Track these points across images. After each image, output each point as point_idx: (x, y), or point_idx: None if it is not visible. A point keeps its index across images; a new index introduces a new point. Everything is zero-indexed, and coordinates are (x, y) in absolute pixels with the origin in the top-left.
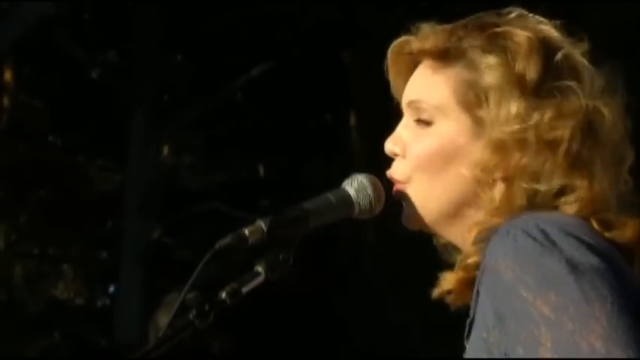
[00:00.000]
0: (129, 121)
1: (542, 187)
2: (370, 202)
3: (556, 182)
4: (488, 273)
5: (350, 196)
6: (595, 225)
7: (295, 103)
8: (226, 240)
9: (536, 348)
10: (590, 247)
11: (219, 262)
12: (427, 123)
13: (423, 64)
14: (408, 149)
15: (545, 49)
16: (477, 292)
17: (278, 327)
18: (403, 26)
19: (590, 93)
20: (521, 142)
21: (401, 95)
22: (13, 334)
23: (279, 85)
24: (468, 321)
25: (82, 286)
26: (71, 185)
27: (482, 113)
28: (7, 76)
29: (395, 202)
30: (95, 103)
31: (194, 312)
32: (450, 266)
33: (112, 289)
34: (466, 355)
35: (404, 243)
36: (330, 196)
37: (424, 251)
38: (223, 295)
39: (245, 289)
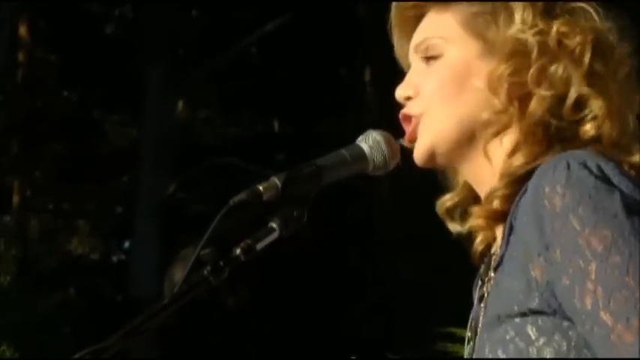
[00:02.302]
0: (144, 76)
1: (570, 94)
2: (384, 158)
3: (580, 90)
4: (537, 200)
5: (364, 152)
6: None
7: (310, 58)
8: (241, 196)
9: (581, 279)
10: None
11: (234, 218)
12: (435, 57)
13: (430, 11)
14: (421, 88)
15: None
16: (511, 226)
17: (293, 282)
18: None
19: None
20: (536, 47)
21: (404, 56)
22: (28, 289)
23: (293, 39)
24: (500, 253)
25: (97, 241)
26: (86, 140)
27: (491, 34)
28: (22, 31)
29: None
30: (110, 57)
31: (209, 268)
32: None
33: (127, 244)
34: (495, 287)
35: (418, 198)
36: (344, 152)
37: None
38: (238, 251)
39: (259, 246)
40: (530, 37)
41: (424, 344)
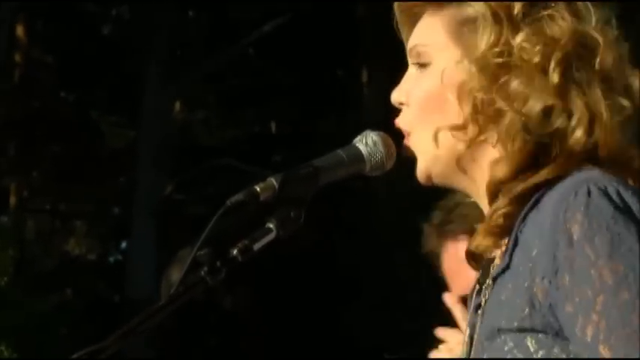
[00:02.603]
0: (141, 77)
1: (532, 107)
2: (381, 158)
3: (545, 101)
4: (556, 225)
5: (361, 152)
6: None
7: (307, 59)
8: (238, 196)
9: (587, 309)
10: None
11: (231, 219)
12: (425, 65)
13: (426, 12)
14: (410, 95)
15: None
16: (516, 239)
17: (290, 282)
18: None
19: (586, 22)
20: (506, 65)
21: None
22: (26, 290)
23: (291, 40)
24: (501, 264)
25: (94, 242)
26: (83, 141)
27: (469, 43)
28: (20, 31)
29: (408, 157)
30: (107, 58)
31: (206, 269)
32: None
33: (124, 244)
34: (494, 297)
35: (414, 198)
36: (342, 152)
37: (434, 206)
38: (235, 251)
39: (256, 246)
40: (494, 57)
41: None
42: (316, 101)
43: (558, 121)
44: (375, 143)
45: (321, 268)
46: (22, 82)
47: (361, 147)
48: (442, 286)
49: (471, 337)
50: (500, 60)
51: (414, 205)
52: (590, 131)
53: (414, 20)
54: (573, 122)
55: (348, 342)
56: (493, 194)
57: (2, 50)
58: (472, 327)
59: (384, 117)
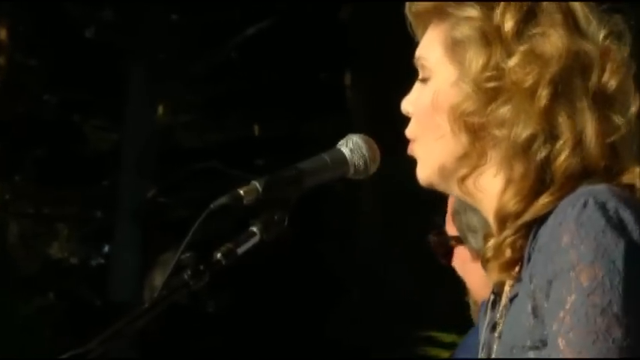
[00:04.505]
0: (125, 80)
1: (520, 133)
2: (365, 162)
3: (531, 128)
4: (552, 237)
5: (345, 156)
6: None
7: (291, 62)
8: (221, 200)
9: (557, 307)
10: None
11: (215, 222)
12: (425, 80)
13: (430, 25)
14: (413, 107)
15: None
16: (529, 257)
17: (275, 286)
18: None
19: (583, 36)
20: (497, 89)
21: None
22: (8, 293)
23: (275, 43)
24: (517, 286)
25: (77, 246)
26: (66, 144)
27: (462, 65)
28: (2, 34)
29: (392, 160)
30: (91, 61)
31: (189, 272)
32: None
33: (107, 248)
34: (510, 317)
35: (401, 201)
36: (325, 156)
37: (421, 209)
38: (218, 255)
39: (240, 250)
40: (485, 82)
41: (406, 348)
42: (300, 105)
43: (545, 147)
44: (358, 147)
45: (307, 270)
46: (5, 85)
47: (345, 150)
48: (430, 287)
49: (488, 355)
50: (491, 84)
51: (399, 206)
52: (575, 153)
53: (424, 25)
54: (558, 145)
55: (333, 344)
56: (502, 223)
57: None
58: (488, 347)
59: (368, 120)
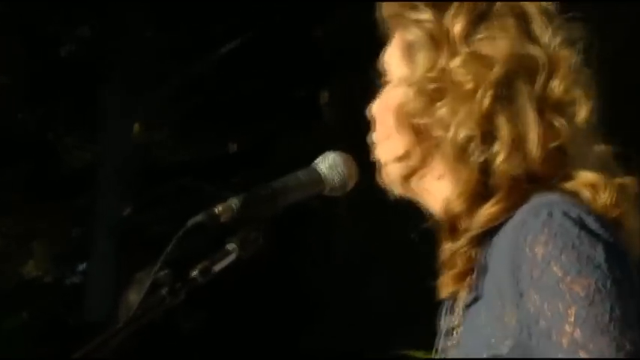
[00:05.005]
0: (101, 98)
1: (457, 134)
2: (342, 179)
3: (469, 129)
4: (517, 249)
5: (321, 174)
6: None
7: (267, 79)
8: (198, 218)
9: (560, 322)
10: (614, 236)
11: (191, 240)
12: (387, 83)
13: (397, 27)
14: (374, 110)
15: (480, 2)
16: (486, 266)
17: (251, 305)
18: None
19: (535, 40)
20: (440, 90)
21: None
22: None
23: (250, 60)
24: (473, 293)
25: (52, 264)
26: (43, 161)
27: (412, 67)
28: None
29: (369, 176)
30: (67, 79)
31: (165, 290)
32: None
33: (82, 266)
34: (467, 325)
35: (378, 215)
36: (301, 174)
37: (397, 227)
38: (195, 273)
39: (216, 268)
40: (428, 83)
41: None
42: (276, 121)
43: (481, 148)
44: (335, 164)
45: (282, 286)
46: None
47: (322, 168)
48: (404, 308)
49: None
50: (434, 85)
51: (376, 221)
52: (514, 156)
53: (393, 30)
54: (495, 148)
55: None
56: (452, 227)
57: None
58: (445, 351)
59: (345, 136)
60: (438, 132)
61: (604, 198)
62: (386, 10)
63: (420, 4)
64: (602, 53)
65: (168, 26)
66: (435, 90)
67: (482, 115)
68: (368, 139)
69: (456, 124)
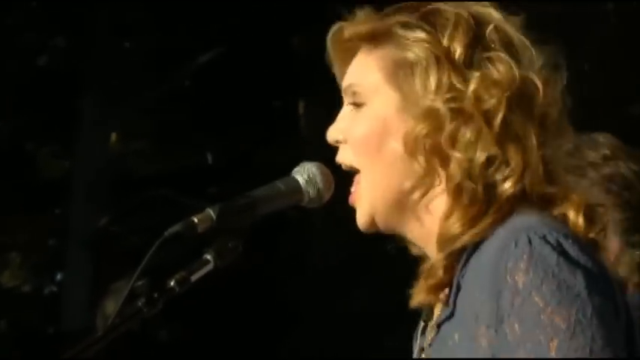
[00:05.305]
0: (77, 108)
1: (479, 156)
2: (319, 190)
3: (489, 151)
4: (498, 275)
5: (299, 184)
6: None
7: (243, 90)
8: (175, 228)
9: (541, 353)
10: (596, 260)
11: (169, 250)
12: (360, 105)
13: (361, 49)
14: (348, 134)
15: (474, 23)
16: (459, 285)
17: (227, 315)
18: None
19: (524, 65)
20: (456, 111)
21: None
22: None
23: (227, 71)
24: (446, 312)
25: (29, 274)
26: (17, 172)
27: (409, 88)
28: None
29: (346, 186)
30: (43, 89)
31: (143, 300)
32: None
33: (59, 276)
34: (439, 344)
35: (353, 229)
36: (279, 184)
37: (374, 238)
38: (172, 282)
39: (194, 277)
40: (442, 104)
41: None
42: (252, 133)
43: (498, 171)
44: (312, 175)
45: (258, 299)
46: None
47: (299, 178)
48: (381, 318)
49: None
50: (450, 105)
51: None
52: (521, 179)
53: (347, 56)
54: (506, 172)
55: None
56: (444, 246)
57: None
58: None
59: (321, 148)
60: (451, 152)
61: (582, 218)
62: (359, 29)
63: (412, 22)
64: (572, 71)
65: (146, 37)
66: (449, 110)
67: (497, 136)
68: (338, 161)
69: (476, 146)
